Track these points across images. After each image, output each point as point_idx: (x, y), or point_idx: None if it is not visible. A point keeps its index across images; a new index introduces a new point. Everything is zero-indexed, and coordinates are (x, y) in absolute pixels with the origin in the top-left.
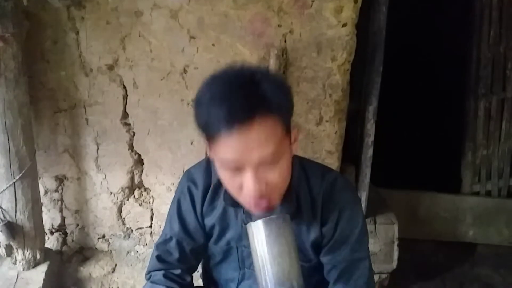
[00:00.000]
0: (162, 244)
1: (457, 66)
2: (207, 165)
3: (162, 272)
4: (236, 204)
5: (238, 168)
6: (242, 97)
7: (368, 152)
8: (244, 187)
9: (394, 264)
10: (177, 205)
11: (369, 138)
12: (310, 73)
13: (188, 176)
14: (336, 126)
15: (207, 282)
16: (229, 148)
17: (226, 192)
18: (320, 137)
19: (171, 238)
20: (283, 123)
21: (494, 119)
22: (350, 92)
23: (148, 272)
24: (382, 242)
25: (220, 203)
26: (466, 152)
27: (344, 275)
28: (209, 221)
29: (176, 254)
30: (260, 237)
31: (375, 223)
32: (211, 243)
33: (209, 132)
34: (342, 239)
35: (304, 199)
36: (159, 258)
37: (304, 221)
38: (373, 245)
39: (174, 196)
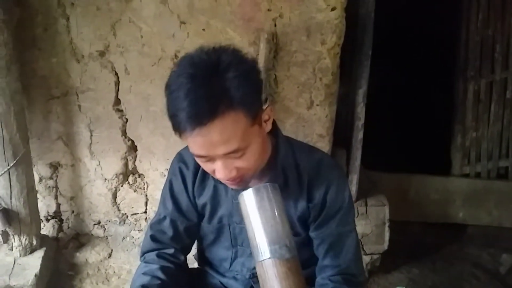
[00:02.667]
0: (156, 224)
1: (446, 49)
2: None
3: (156, 252)
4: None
5: (208, 159)
6: (203, 95)
7: (359, 135)
8: (216, 173)
9: (386, 245)
10: (170, 185)
11: (360, 121)
12: (300, 57)
13: (179, 157)
14: (326, 109)
15: (201, 264)
16: (194, 144)
17: None
18: (311, 121)
19: (165, 217)
20: (248, 114)
21: (483, 102)
22: (340, 75)
23: (142, 254)
24: (374, 223)
25: (210, 182)
26: (456, 135)
27: (332, 249)
28: (201, 200)
29: (170, 233)
30: (253, 203)
31: (366, 205)
32: (204, 223)
33: (175, 127)
34: (329, 215)
35: (291, 173)
36: (153, 237)
37: (291, 195)
38: (365, 227)
39: (166, 177)
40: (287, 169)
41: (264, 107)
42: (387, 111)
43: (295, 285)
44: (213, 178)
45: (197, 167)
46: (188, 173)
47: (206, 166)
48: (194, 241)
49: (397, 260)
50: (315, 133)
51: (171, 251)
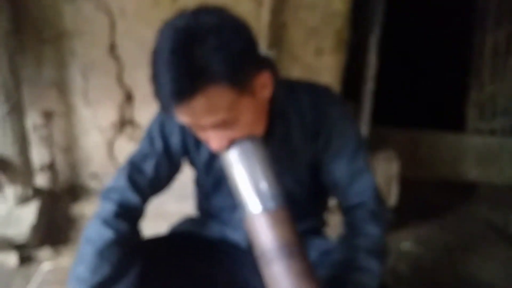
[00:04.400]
0: (138, 162)
1: None
2: None
3: (116, 211)
4: None
5: (197, 128)
6: (182, 72)
7: (369, 85)
8: (209, 144)
9: (393, 201)
10: (160, 125)
11: (371, 70)
12: None
13: None
14: (336, 58)
15: (201, 212)
16: (180, 116)
17: None
18: (319, 69)
19: (150, 157)
20: (234, 86)
21: (501, 54)
22: (352, 21)
23: (109, 191)
24: (382, 179)
25: None
26: (471, 89)
27: (348, 190)
28: (196, 148)
29: (149, 175)
30: (233, 160)
31: (375, 159)
32: (201, 175)
33: (159, 103)
34: (336, 153)
35: (294, 122)
36: (130, 178)
37: (297, 144)
38: None
39: (156, 117)
40: (290, 119)
41: (258, 73)
42: (400, 64)
43: (283, 235)
44: None
45: None
46: None
47: (199, 135)
48: (165, 188)
49: (405, 217)
50: (323, 83)
51: (135, 202)
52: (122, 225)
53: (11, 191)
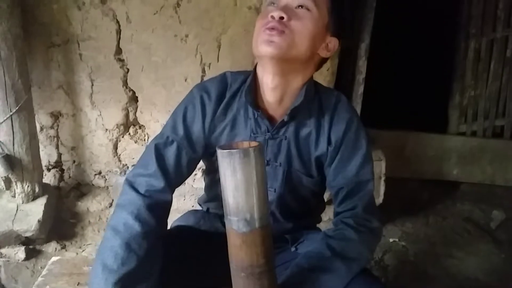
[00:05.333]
0: (162, 146)
1: (449, 5)
2: (223, 78)
3: (141, 201)
4: (253, 104)
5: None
6: None
7: (359, 89)
8: (270, 15)
9: (380, 199)
10: (184, 111)
11: (361, 75)
12: None
13: (202, 87)
14: (328, 63)
15: (208, 203)
16: None
17: (247, 90)
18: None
19: (172, 141)
20: (328, 11)
21: (483, 60)
22: None
23: (133, 177)
24: None
25: (230, 114)
26: (454, 93)
27: (349, 196)
28: (217, 132)
29: (171, 161)
30: (221, 168)
31: None
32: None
33: None
34: (346, 159)
35: (314, 116)
36: (158, 158)
37: (309, 137)
38: None
39: (180, 104)
40: (312, 107)
41: (338, 35)
42: (386, 68)
43: (250, 257)
44: (246, 97)
45: (220, 97)
46: (209, 103)
47: (265, 16)
48: (185, 178)
49: (392, 214)
50: None
51: (162, 191)
52: (149, 217)
53: (20, 188)
